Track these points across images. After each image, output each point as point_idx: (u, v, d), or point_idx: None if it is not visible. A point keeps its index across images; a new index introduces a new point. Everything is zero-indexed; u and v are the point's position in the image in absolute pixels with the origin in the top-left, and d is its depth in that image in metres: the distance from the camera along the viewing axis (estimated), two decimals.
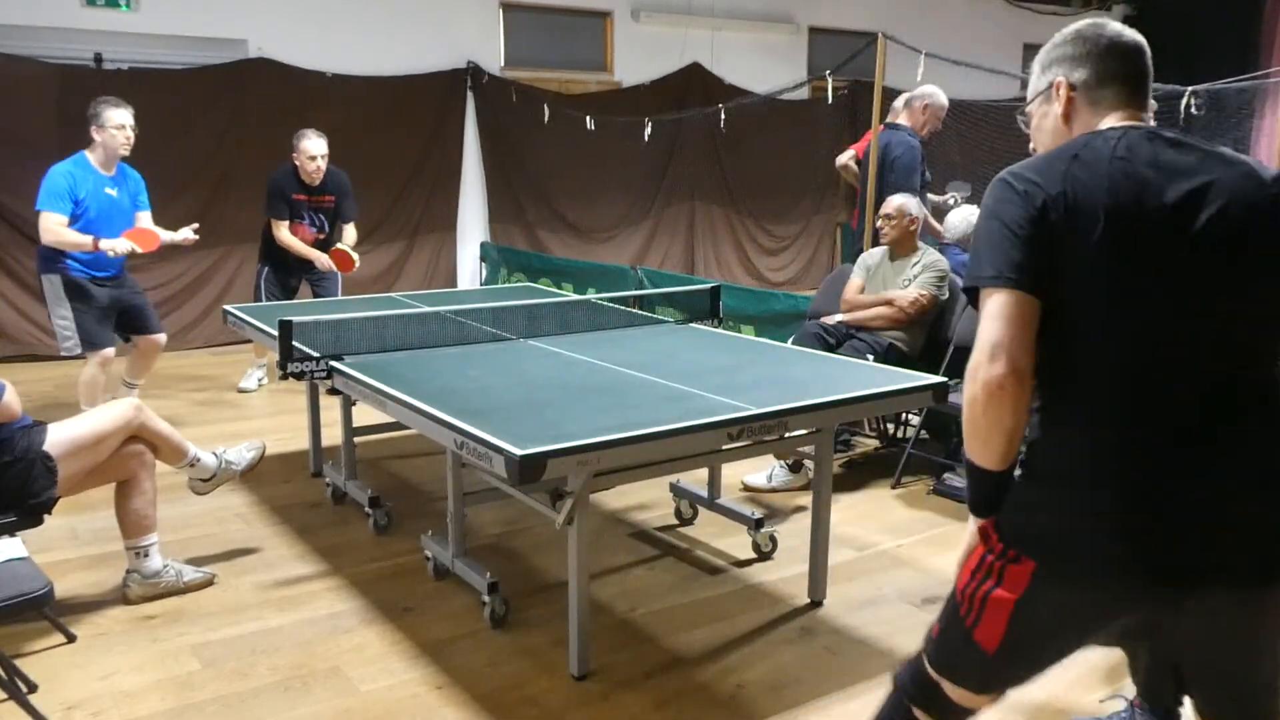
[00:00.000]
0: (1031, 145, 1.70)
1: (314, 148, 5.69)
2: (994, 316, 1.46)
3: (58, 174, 4.69)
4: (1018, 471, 1.56)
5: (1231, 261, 1.43)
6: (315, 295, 6.01)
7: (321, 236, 5.92)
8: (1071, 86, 1.61)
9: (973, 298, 1.52)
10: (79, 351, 4.83)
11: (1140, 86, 1.59)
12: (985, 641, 1.55)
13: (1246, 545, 1.42)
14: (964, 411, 1.51)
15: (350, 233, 6.01)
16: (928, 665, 1.68)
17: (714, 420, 2.62)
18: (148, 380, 5.43)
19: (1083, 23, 1.64)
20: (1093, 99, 1.59)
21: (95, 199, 4.76)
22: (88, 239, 4.66)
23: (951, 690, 1.64)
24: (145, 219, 5.08)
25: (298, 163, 5.74)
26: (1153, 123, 1.58)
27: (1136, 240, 1.43)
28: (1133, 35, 1.62)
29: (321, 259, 5.82)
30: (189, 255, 7.24)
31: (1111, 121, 1.56)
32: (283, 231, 5.79)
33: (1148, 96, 1.61)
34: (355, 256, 5.89)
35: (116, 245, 4.72)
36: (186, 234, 5.06)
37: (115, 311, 4.96)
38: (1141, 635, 1.64)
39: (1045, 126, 1.66)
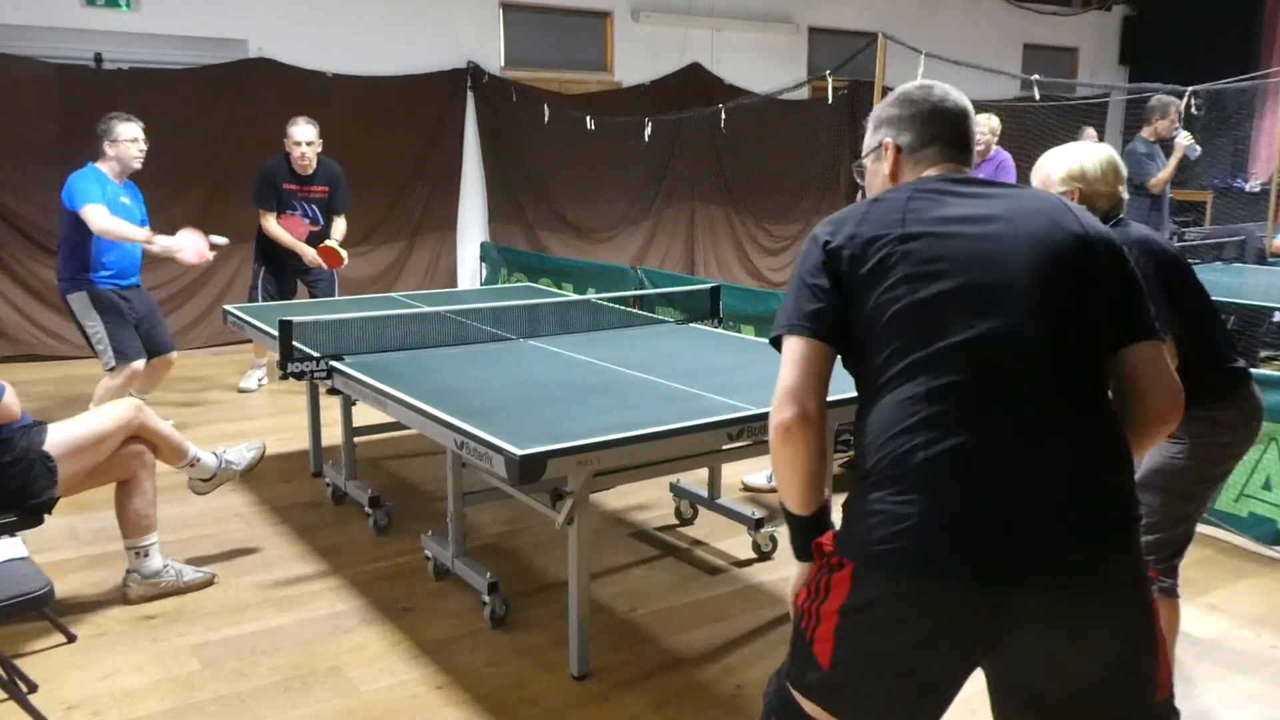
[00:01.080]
0: (860, 195, 1.84)
1: (301, 133, 5.69)
2: (785, 363, 1.57)
3: (84, 175, 4.74)
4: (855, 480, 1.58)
5: (1031, 277, 1.49)
6: (312, 296, 6.00)
7: (316, 228, 5.90)
8: (898, 148, 1.72)
9: (776, 345, 1.61)
10: (115, 364, 4.83)
11: (961, 145, 1.71)
12: (820, 655, 1.54)
13: (1058, 549, 1.41)
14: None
15: (340, 225, 6.00)
16: (786, 681, 1.67)
17: (714, 420, 2.62)
18: (154, 391, 5.44)
19: (912, 85, 1.75)
20: (915, 159, 1.70)
21: (114, 207, 4.80)
22: (144, 232, 4.75)
23: (808, 706, 1.61)
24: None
25: (288, 150, 5.73)
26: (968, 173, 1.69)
27: (930, 258, 1.51)
28: (957, 99, 1.73)
29: (308, 253, 5.78)
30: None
31: (929, 173, 1.67)
32: (269, 222, 5.77)
33: (969, 149, 1.72)
34: (344, 253, 5.87)
35: (178, 244, 4.79)
36: (216, 242, 5.10)
37: (137, 325, 4.97)
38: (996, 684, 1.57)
39: (875, 182, 1.77)
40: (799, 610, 1.61)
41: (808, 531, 1.60)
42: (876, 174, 1.76)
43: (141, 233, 4.75)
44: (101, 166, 4.85)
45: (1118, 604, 1.46)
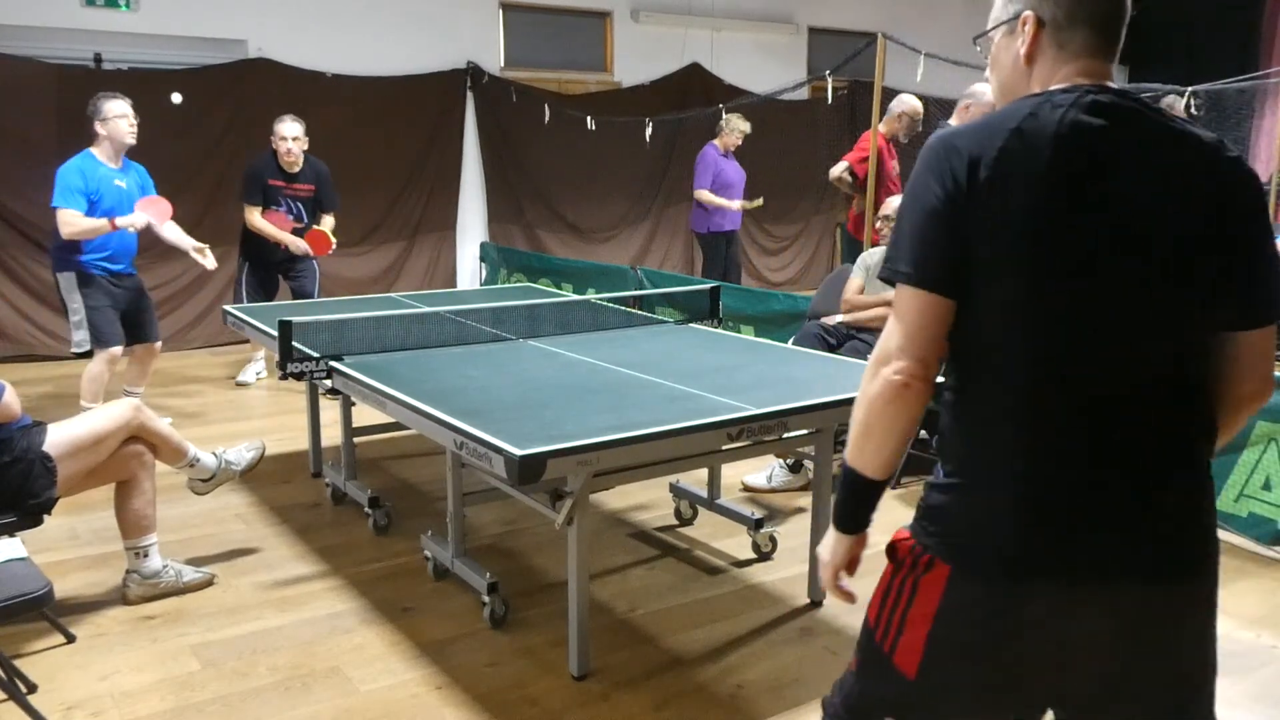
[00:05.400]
0: (987, 72, 1.56)
1: (287, 130, 5.78)
2: (902, 315, 1.40)
3: (69, 171, 4.74)
4: (934, 476, 1.49)
5: (1165, 261, 1.34)
6: (294, 293, 6.04)
7: (300, 225, 5.94)
8: (1039, 22, 1.42)
9: (889, 281, 1.45)
10: (88, 347, 4.86)
11: (1113, 31, 1.42)
12: (904, 665, 1.45)
13: (1150, 547, 1.37)
14: (857, 412, 1.44)
15: (329, 221, 6.07)
16: (848, 703, 1.59)
17: (714, 420, 2.61)
18: (146, 384, 5.45)
19: None
20: (1060, 40, 1.41)
21: (108, 192, 4.82)
22: (103, 221, 4.71)
23: None
24: None
25: (275, 147, 5.82)
26: (1113, 82, 1.42)
27: (1065, 232, 1.32)
28: None
29: (295, 243, 5.84)
30: (189, 256, 7.23)
31: (1071, 74, 1.41)
32: (254, 216, 5.85)
33: (1119, 42, 1.44)
34: (333, 239, 5.97)
35: (134, 220, 4.78)
36: (197, 248, 5.09)
37: (122, 313, 4.99)
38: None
39: (1004, 61, 1.48)
40: (873, 623, 1.51)
41: (872, 497, 1.48)
42: (1007, 53, 1.47)
43: (103, 222, 4.71)
44: (95, 151, 4.87)
45: (1200, 596, 1.43)
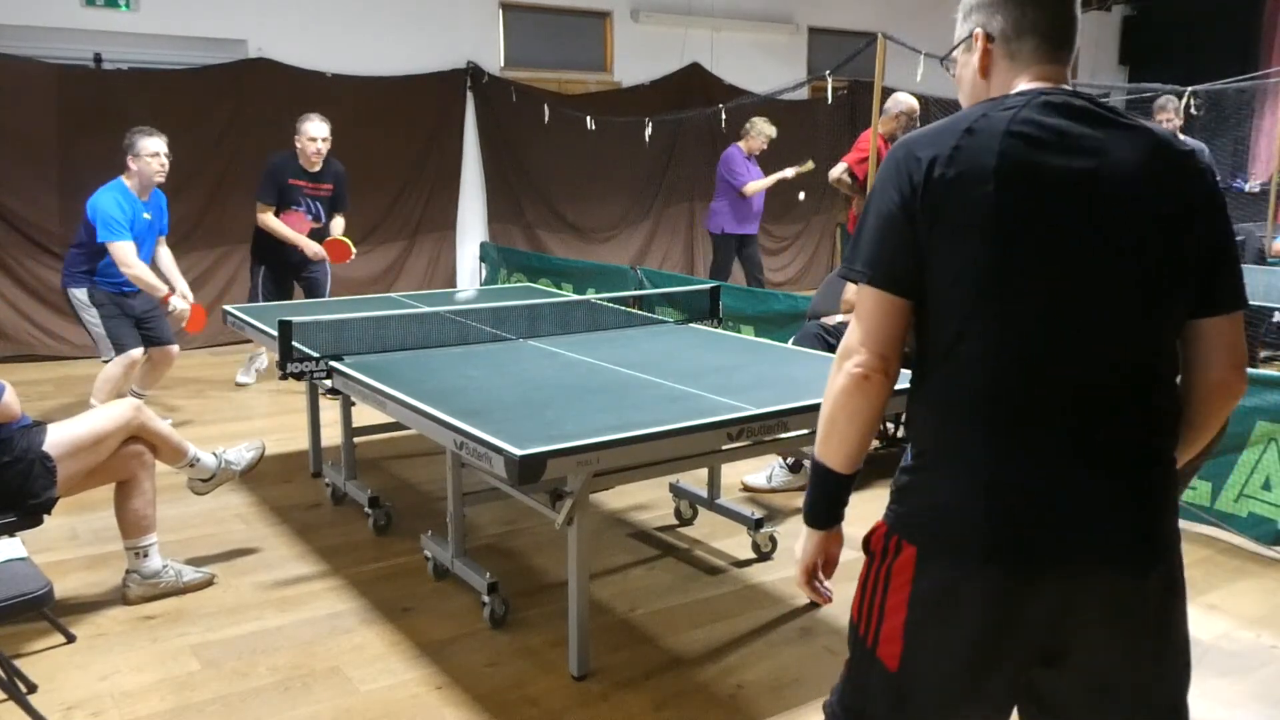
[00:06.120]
0: (957, 93, 1.62)
1: (315, 130, 5.73)
2: (861, 314, 1.45)
3: (109, 203, 4.81)
4: (903, 460, 1.51)
5: (1125, 253, 1.36)
6: (305, 291, 6.05)
7: (318, 225, 5.95)
8: (989, 37, 1.49)
9: (850, 279, 1.49)
10: (113, 355, 4.95)
11: (1063, 36, 1.48)
12: (887, 657, 1.46)
13: (1133, 538, 1.39)
14: (823, 406, 1.48)
15: (340, 223, 6.07)
16: (843, 703, 1.58)
17: (714, 420, 2.62)
18: (156, 388, 5.51)
19: None
20: (1010, 51, 1.48)
21: (137, 224, 4.93)
22: (164, 289, 4.98)
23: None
24: (162, 245, 5.29)
25: (299, 146, 5.76)
26: (1069, 85, 1.47)
27: (1021, 225, 1.35)
28: None
29: (310, 246, 5.82)
30: (189, 256, 7.24)
31: (1025, 81, 1.46)
32: (268, 216, 5.79)
33: (1071, 48, 1.49)
34: (353, 247, 5.98)
35: (186, 301, 5.06)
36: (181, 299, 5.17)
37: (136, 319, 5.08)
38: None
39: (966, 78, 1.55)
40: (855, 617, 1.52)
41: (840, 491, 1.52)
42: (967, 69, 1.54)
43: (160, 286, 4.95)
44: (126, 181, 4.94)
45: (1163, 590, 1.43)
